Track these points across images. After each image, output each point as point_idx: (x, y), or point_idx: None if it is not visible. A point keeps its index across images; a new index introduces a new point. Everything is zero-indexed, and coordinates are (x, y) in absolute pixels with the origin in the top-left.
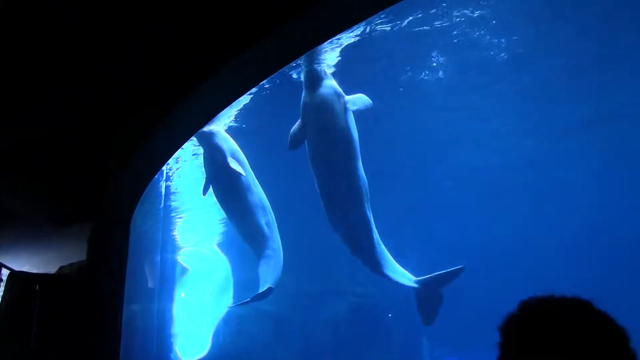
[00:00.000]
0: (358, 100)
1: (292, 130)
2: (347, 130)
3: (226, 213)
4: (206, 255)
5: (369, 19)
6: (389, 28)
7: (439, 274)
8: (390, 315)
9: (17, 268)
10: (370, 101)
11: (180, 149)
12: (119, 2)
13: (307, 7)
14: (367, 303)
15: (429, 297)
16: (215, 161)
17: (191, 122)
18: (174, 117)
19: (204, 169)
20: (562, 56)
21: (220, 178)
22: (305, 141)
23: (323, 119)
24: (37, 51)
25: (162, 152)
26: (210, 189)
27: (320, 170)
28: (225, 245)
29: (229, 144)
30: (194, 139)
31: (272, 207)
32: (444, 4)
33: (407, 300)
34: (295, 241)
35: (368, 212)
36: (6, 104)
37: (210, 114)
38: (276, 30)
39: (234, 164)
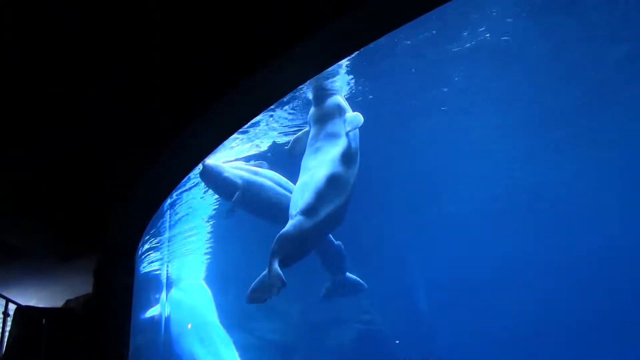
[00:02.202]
0: (354, 120)
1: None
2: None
3: (264, 218)
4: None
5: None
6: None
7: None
8: (397, 342)
9: (24, 303)
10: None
11: (181, 183)
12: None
13: (302, 38)
14: (373, 331)
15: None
16: (237, 182)
17: (193, 153)
18: (175, 149)
19: (226, 198)
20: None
21: (248, 191)
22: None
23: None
24: (38, 94)
25: (163, 186)
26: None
27: None
28: (211, 278)
29: (230, 166)
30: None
31: None
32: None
33: (413, 328)
34: (300, 268)
35: None
36: (9, 144)
37: (216, 141)
38: (281, 56)
39: (260, 169)
